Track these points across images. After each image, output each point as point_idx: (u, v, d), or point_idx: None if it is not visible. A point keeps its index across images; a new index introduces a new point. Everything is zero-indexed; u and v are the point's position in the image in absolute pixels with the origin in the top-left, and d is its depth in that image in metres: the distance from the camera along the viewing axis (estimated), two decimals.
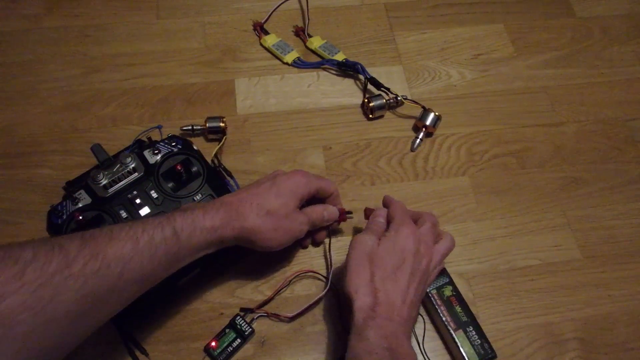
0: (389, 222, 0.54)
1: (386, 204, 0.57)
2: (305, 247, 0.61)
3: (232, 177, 0.64)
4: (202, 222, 0.46)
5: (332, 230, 0.61)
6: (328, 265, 0.60)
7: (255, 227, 0.50)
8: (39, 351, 0.36)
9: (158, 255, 0.43)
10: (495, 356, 0.54)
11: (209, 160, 0.62)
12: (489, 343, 0.54)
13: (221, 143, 0.66)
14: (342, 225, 0.62)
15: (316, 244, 0.61)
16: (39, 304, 0.35)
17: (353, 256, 0.51)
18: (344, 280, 0.50)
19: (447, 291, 0.57)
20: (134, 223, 0.43)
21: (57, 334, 0.37)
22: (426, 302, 0.57)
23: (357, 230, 0.63)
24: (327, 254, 0.60)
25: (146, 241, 0.42)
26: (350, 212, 0.59)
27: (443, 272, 0.58)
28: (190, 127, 0.67)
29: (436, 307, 0.56)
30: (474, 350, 0.54)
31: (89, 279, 0.38)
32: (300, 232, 0.54)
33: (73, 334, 0.39)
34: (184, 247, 0.45)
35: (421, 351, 0.55)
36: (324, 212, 0.56)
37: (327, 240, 0.61)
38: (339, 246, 0.62)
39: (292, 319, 0.56)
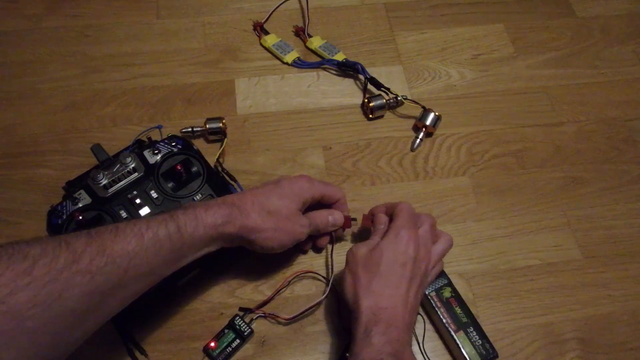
0: (390, 220, 0.54)
1: (391, 207, 0.56)
2: (305, 252, 0.61)
3: (235, 180, 0.64)
4: (205, 219, 0.47)
5: (336, 236, 0.60)
6: (329, 269, 0.60)
7: (256, 225, 0.50)
8: (47, 346, 0.37)
9: (162, 251, 0.43)
10: (497, 356, 0.54)
11: (212, 166, 0.62)
12: (490, 343, 0.54)
13: (222, 147, 0.66)
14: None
15: (317, 249, 0.61)
16: (48, 299, 0.35)
17: (350, 265, 0.51)
18: (344, 289, 0.50)
19: (446, 292, 0.57)
20: (138, 220, 0.44)
21: (65, 329, 0.37)
22: (426, 304, 0.57)
23: (359, 235, 0.63)
24: (329, 258, 0.60)
25: (150, 237, 0.43)
26: (354, 219, 0.59)
27: (441, 274, 0.57)
28: (190, 129, 0.67)
29: (436, 309, 0.56)
30: (476, 350, 0.54)
31: (95, 274, 0.38)
32: (301, 235, 0.54)
33: (80, 329, 0.39)
34: (187, 243, 0.46)
35: (421, 351, 0.55)
36: (329, 217, 0.56)
37: (329, 246, 0.61)
38: (339, 246, 0.61)
39: (289, 321, 0.56)
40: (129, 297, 0.43)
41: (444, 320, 0.55)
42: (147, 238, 0.42)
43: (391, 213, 0.55)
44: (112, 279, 0.40)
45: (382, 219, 0.55)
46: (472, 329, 0.55)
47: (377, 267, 0.49)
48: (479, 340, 0.54)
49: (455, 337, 0.54)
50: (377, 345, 0.44)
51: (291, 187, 0.53)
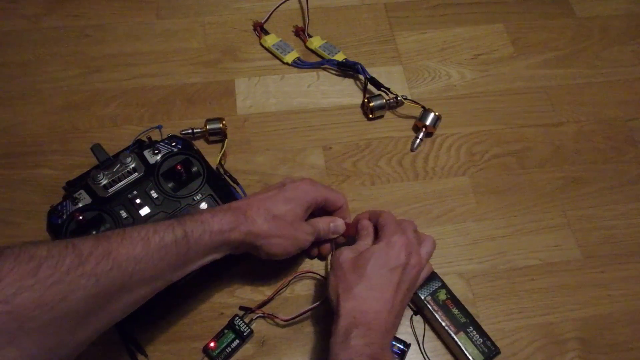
0: (377, 230, 0.54)
1: (374, 215, 0.56)
2: (312, 258, 0.61)
3: (237, 183, 0.64)
4: (211, 225, 0.47)
5: (337, 243, 0.60)
6: (329, 270, 0.60)
7: (261, 231, 0.50)
8: (50, 347, 0.36)
9: (168, 257, 0.43)
10: (499, 352, 0.54)
11: (214, 168, 0.62)
12: (491, 340, 0.54)
13: (223, 149, 0.66)
14: None
15: (322, 257, 0.61)
16: (52, 300, 0.35)
17: (334, 269, 0.51)
18: (328, 290, 0.50)
19: (442, 295, 0.56)
20: (146, 225, 0.44)
21: (68, 331, 0.37)
22: (423, 309, 0.57)
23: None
24: (329, 259, 0.60)
25: (157, 242, 0.43)
26: None
27: (434, 277, 0.57)
28: (190, 131, 0.67)
29: (433, 312, 0.55)
30: (478, 350, 0.54)
31: (100, 278, 0.38)
32: (305, 242, 0.54)
33: (83, 332, 0.39)
34: (193, 250, 0.46)
35: (421, 351, 0.55)
36: (331, 224, 0.56)
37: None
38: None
39: (287, 321, 0.56)
40: (134, 302, 0.43)
41: (443, 323, 0.55)
42: (153, 243, 0.42)
43: (375, 220, 0.55)
44: (117, 282, 0.40)
45: (367, 224, 0.55)
46: (471, 329, 0.55)
47: (363, 270, 0.49)
48: (480, 339, 0.54)
49: (456, 338, 0.54)
50: (355, 348, 0.44)
51: (295, 191, 0.53)
